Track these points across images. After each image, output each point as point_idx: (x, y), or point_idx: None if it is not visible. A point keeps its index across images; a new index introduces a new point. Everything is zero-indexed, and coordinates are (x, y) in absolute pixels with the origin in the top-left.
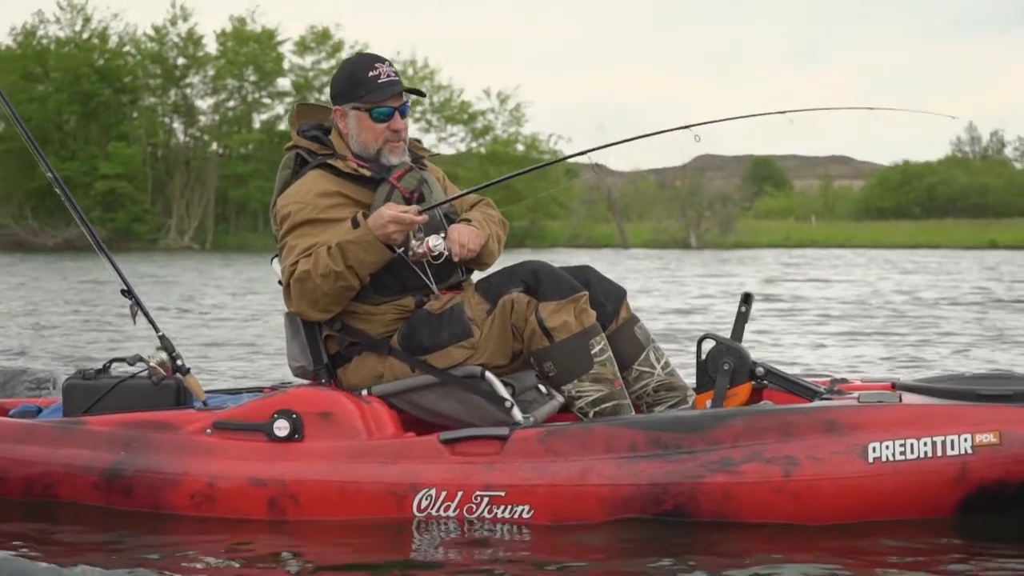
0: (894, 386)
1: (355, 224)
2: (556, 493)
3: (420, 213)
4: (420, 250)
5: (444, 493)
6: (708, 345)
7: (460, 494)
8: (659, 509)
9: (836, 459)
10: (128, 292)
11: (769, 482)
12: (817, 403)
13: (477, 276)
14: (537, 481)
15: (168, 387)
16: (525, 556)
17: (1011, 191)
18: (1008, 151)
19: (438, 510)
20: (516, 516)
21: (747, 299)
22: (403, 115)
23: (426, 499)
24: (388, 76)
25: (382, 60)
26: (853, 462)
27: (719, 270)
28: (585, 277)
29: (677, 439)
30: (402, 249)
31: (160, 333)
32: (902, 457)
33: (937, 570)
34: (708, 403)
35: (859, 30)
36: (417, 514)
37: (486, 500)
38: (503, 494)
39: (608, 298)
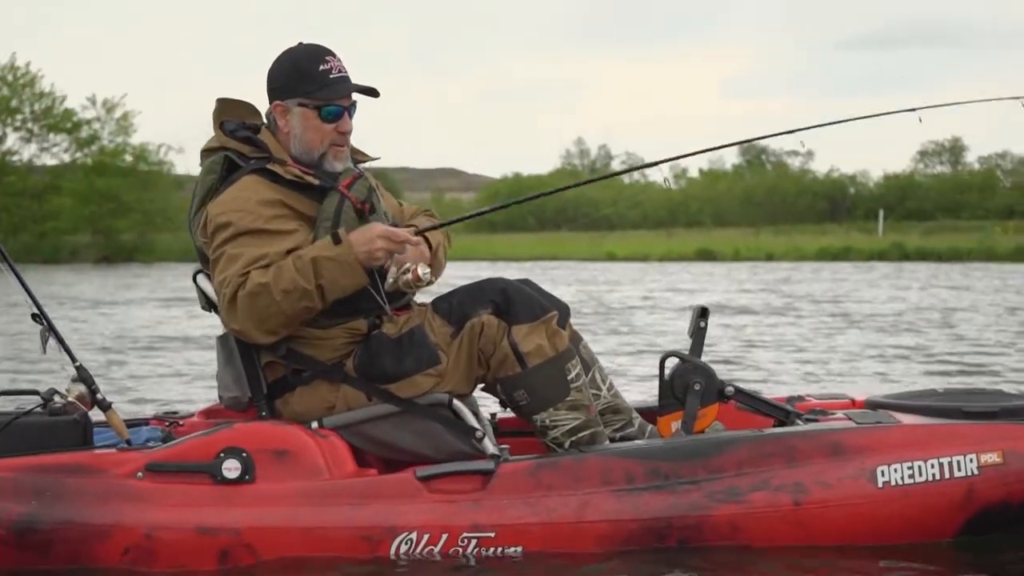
0: (858, 402)
1: (336, 239)
2: (551, 531)
3: (417, 233)
4: (405, 278)
5: (427, 536)
6: (671, 363)
7: (444, 536)
8: (662, 544)
9: (845, 484)
10: (40, 316)
11: (779, 511)
12: (818, 425)
13: (419, 295)
14: (530, 519)
15: (72, 423)
16: None
17: (622, 204)
18: (615, 164)
19: (420, 554)
20: (506, 557)
21: (703, 313)
22: (350, 116)
23: (406, 543)
24: (340, 72)
25: (332, 53)
26: (863, 487)
27: None
28: None
29: (678, 468)
30: (389, 279)
31: (77, 363)
32: (911, 480)
33: None
34: (674, 425)
35: (472, 38)
36: (396, 560)
37: (474, 542)
38: (492, 535)
39: None
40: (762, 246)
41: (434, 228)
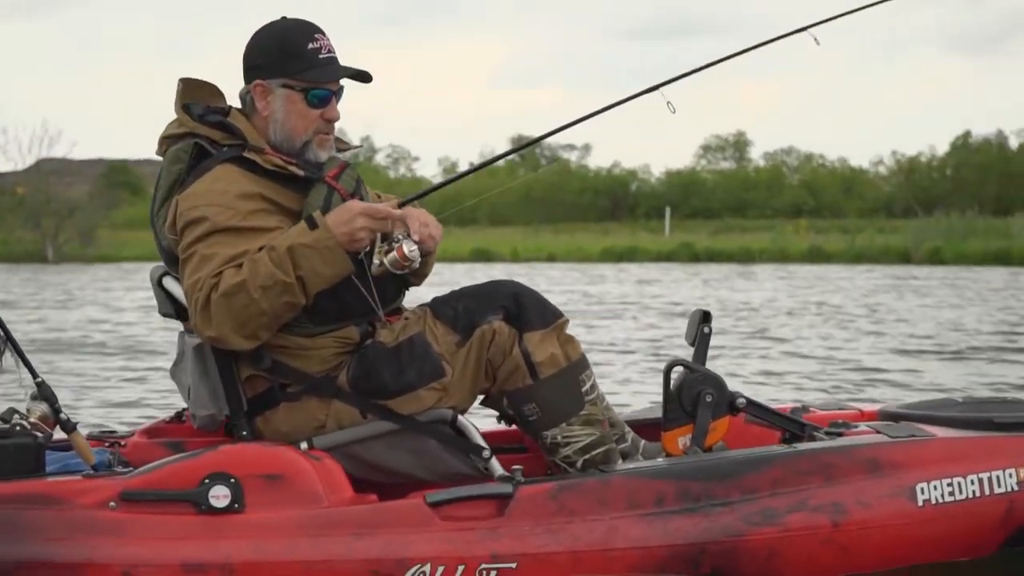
0: (867, 413)
1: (311, 223)
2: (577, 561)
3: (400, 206)
4: (389, 258)
5: (441, 568)
6: (677, 372)
7: (461, 568)
8: (696, 572)
9: (885, 503)
10: None
11: (817, 534)
12: (853, 439)
13: (409, 298)
14: (555, 548)
15: (23, 447)
16: None
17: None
18: (379, 158)
19: None
20: None
21: (706, 318)
22: (337, 101)
23: None
24: (329, 52)
25: (321, 31)
26: (903, 506)
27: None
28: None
29: (709, 488)
30: (375, 262)
31: (38, 379)
32: (951, 498)
33: None
34: (681, 441)
35: (221, 26)
36: None
37: (494, 574)
38: (514, 566)
39: None
40: (543, 246)
41: (417, 198)
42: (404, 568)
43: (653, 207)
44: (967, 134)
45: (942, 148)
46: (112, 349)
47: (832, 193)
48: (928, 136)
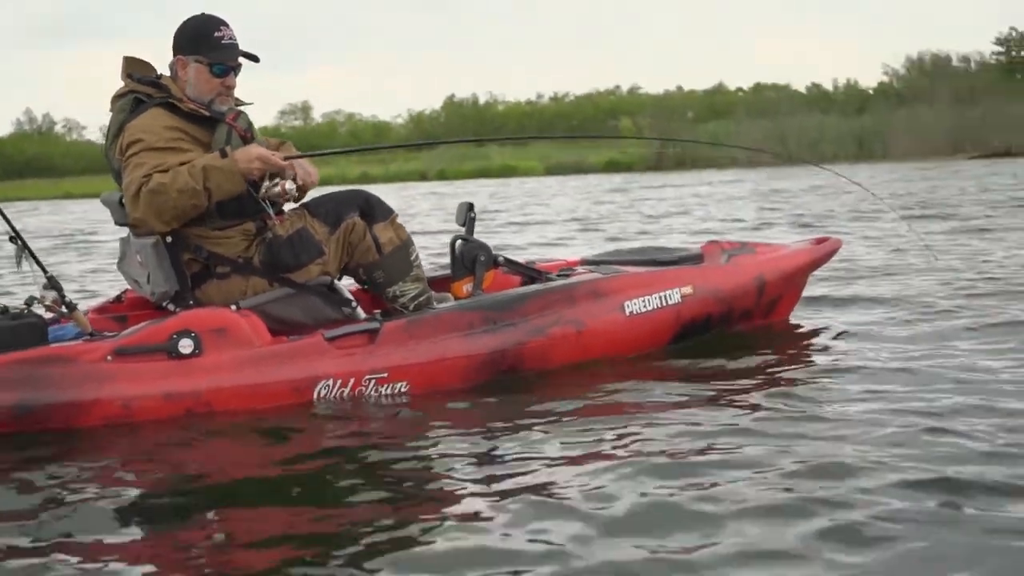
0: (572, 261)
1: (223, 155)
2: (426, 369)
3: (286, 160)
4: (275, 190)
5: (339, 381)
6: (459, 244)
7: (352, 380)
8: (500, 370)
9: (607, 316)
10: (16, 238)
11: (568, 340)
12: (583, 277)
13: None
14: (412, 360)
15: (32, 325)
16: (413, 417)
17: (71, 158)
18: (58, 128)
19: (335, 395)
20: (397, 391)
21: (471, 207)
22: (235, 75)
23: (324, 388)
24: (230, 39)
25: (227, 24)
26: (617, 317)
27: None
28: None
29: (500, 315)
30: (263, 189)
31: (49, 274)
32: (645, 310)
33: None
34: (466, 288)
35: None
36: (317, 402)
37: (373, 382)
38: (386, 375)
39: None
40: None
41: (299, 157)
42: (315, 383)
43: None
44: (452, 95)
45: (438, 104)
46: None
47: (368, 138)
48: (430, 97)
